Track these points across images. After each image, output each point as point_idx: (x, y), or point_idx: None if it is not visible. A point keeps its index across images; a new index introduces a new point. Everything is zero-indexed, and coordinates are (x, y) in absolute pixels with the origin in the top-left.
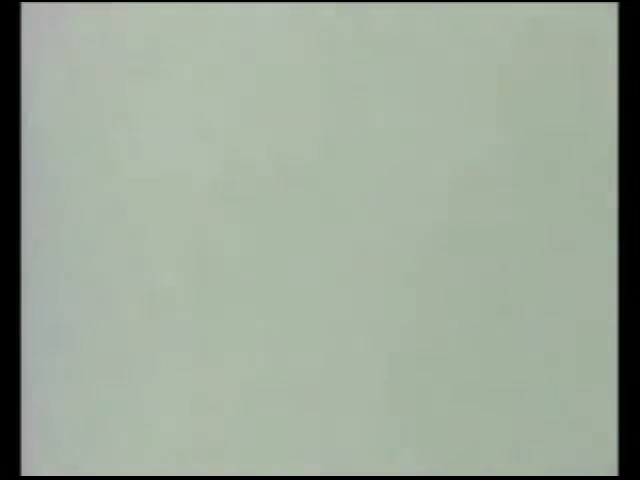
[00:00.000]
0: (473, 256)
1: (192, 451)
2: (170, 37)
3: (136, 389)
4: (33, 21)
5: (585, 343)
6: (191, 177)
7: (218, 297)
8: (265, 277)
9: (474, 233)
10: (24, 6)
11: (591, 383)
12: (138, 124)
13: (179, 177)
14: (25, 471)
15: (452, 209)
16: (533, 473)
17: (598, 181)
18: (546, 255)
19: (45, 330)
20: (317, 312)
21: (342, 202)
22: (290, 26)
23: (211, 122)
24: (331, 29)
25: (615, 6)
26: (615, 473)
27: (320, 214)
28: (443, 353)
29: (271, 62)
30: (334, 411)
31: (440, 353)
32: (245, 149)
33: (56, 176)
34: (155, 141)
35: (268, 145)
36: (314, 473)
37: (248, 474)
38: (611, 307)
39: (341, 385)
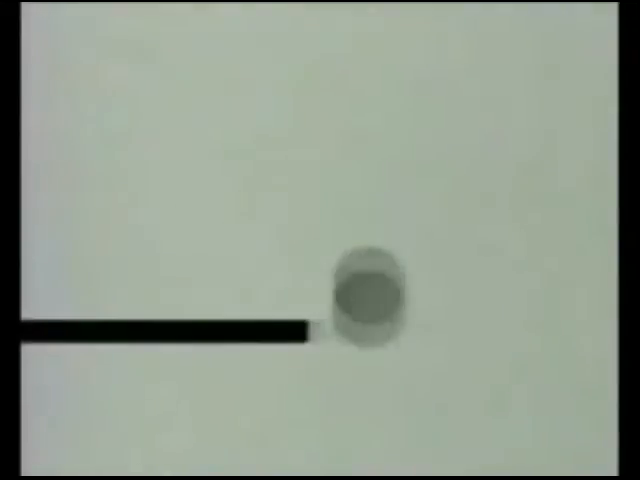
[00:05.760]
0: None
1: None
2: (171, 37)
3: None
4: (33, 21)
5: (585, 343)
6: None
7: None
8: None
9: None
10: (24, 6)
11: (590, 384)
12: (138, 119)
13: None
14: (25, 471)
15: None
16: (533, 473)
17: (596, 183)
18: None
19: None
20: None
21: None
22: (291, 26)
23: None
24: (332, 28)
25: (615, 6)
26: (615, 473)
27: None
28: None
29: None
30: None
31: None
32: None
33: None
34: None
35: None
36: None
37: None
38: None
39: None
